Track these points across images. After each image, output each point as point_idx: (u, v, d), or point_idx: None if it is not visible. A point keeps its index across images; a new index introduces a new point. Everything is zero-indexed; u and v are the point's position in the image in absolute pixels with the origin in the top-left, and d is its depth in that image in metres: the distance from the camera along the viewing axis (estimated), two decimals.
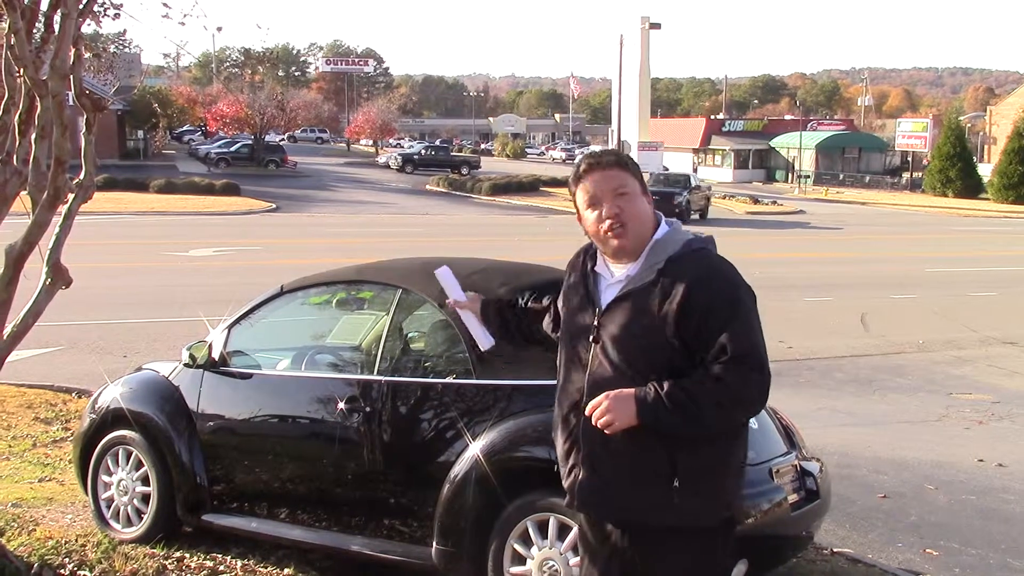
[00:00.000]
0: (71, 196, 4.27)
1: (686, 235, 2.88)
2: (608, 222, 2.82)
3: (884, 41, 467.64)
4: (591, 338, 2.84)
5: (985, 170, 61.36)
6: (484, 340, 3.12)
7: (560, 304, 3.12)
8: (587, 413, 2.77)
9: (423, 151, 66.39)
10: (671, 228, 2.89)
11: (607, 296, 2.86)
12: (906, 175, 68.44)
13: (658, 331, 2.72)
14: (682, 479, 2.72)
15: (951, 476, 7.44)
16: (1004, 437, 8.83)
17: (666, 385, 2.68)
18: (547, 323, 3.45)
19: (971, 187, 59.14)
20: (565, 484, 2.94)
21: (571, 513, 3.99)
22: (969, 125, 76.53)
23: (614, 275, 2.89)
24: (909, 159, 70.81)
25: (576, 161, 3.06)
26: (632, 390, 2.70)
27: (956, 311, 16.55)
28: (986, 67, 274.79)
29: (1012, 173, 56.00)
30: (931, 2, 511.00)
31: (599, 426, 2.72)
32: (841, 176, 68.35)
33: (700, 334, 2.70)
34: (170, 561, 4.87)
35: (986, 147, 70.43)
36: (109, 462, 5.43)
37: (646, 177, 3.21)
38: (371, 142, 79.64)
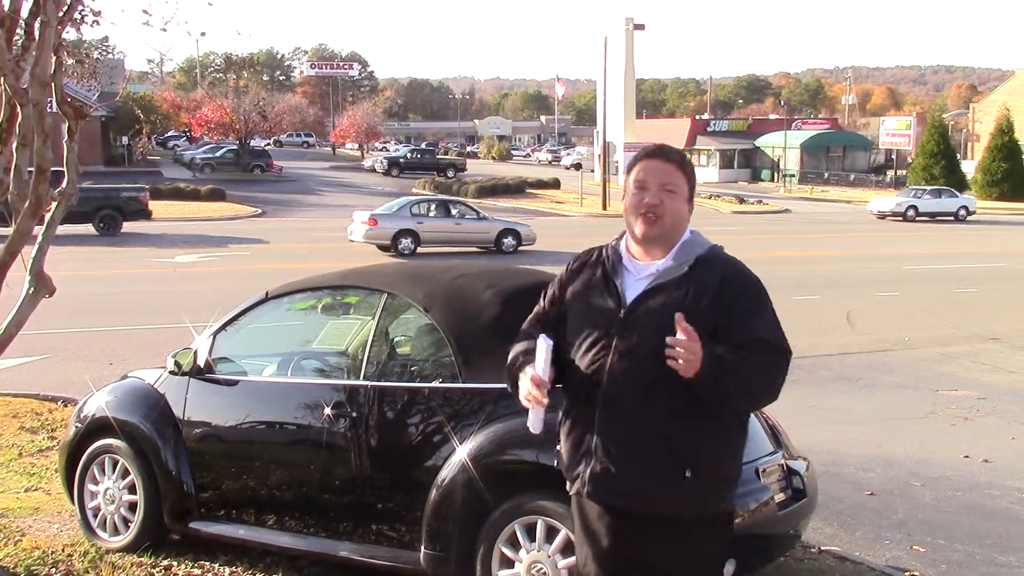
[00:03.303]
0: (53, 204, 4.26)
1: (709, 241, 3.03)
2: (645, 209, 2.92)
3: (867, 40, 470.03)
4: (614, 330, 2.87)
5: (969, 167, 61.72)
6: (537, 425, 3.01)
7: (571, 300, 3.05)
8: (669, 342, 2.70)
9: (409, 154, 66.35)
10: (695, 234, 3.02)
11: (634, 290, 2.92)
12: (890, 173, 68.77)
13: (695, 317, 2.75)
14: (694, 470, 2.81)
15: (937, 472, 7.47)
16: (989, 433, 8.88)
17: (720, 349, 2.76)
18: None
19: (955, 184, 59.27)
20: (573, 474, 2.95)
21: (560, 515, 4.02)
22: (952, 123, 77.00)
23: (641, 271, 2.95)
24: (893, 157, 71.16)
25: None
26: (701, 342, 2.71)
27: (941, 308, 16.63)
28: (969, 64, 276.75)
29: (995, 170, 56.34)
30: (913, 0, 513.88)
31: (673, 363, 2.70)
32: (826, 175, 68.61)
33: (731, 328, 2.82)
34: (157, 569, 4.86)
35: (969, 144, 70.84)
36: (95, 471, 5.41)
37: None
38: (357, 146, 79.48)
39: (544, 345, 2.88)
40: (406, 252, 23.91)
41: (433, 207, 26.02)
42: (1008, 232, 36.76)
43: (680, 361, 2.69)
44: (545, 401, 2.85)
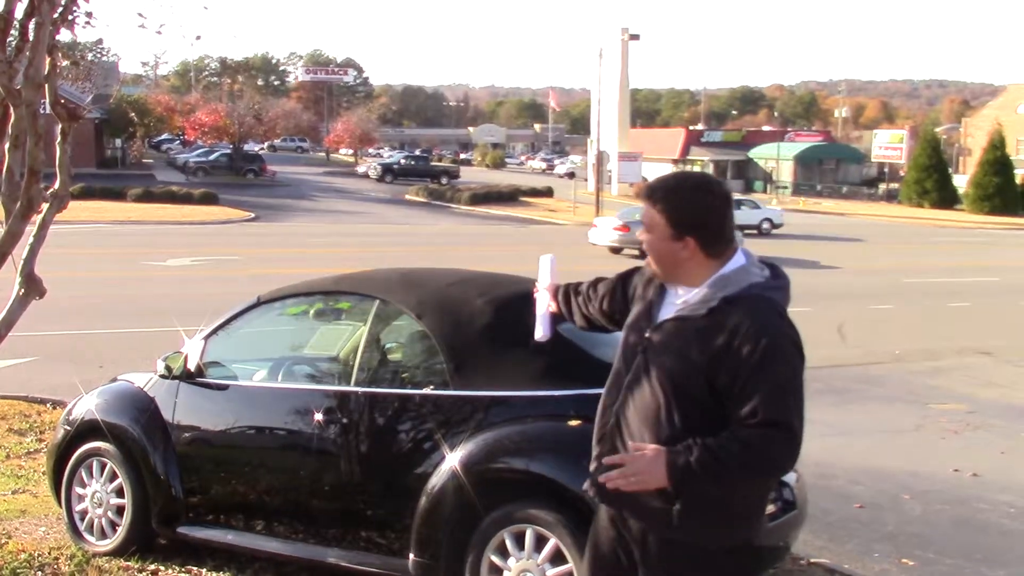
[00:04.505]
0: (45, 206, 4.24)
1: (753, 275, 2.81)
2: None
3: (861, 53, 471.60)
4: (638, 348, 2.88)
5: (960, 181, 62.05)
6: (543, 330, 3.16)
7: (631, 302, 3.09)
8: (608, 463, 2.80)
9: (402, 161, 66.34)
10: (741, 265, 2.83)
11: (664, 313, 2.89)
12: (883, 186, 69.11)
13: (694, 365, 2.72)
14: (685, 504, 2.74)
15: (927, 486, 7.48)
16: (979, 447, 8.89)
17: (695, 450, 2.66)
18: (601, 307, 3.25)
19: (947, 198, 59.74)
20: (591, 469, 2.99)
21: (549, 524, 4.02)
22: (945, 137, 77.41)
23: (675, 296, 2.90)
24: (886, 170, 71.51)
25: None
26: (664, 452, 2.69)
27: (932, 322, 16.68)
28: (961, 79, 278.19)
29: (987, 184, 56.65)
30: (907, 15, 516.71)
31: (627, 488, 2.74)
32: (819, 187, 68.85)
33: (732, 383, 2.68)
34: (144, 574, 4.85)
35: (961, 159, 71.23)
36: (83, 474, 5.38)
37: None
38: (351, 152, 79.46)
39: (545, 260, 3.36)
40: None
41: None
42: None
43: (637, 483, 2.71)
44: (550, 307, 3.32)
